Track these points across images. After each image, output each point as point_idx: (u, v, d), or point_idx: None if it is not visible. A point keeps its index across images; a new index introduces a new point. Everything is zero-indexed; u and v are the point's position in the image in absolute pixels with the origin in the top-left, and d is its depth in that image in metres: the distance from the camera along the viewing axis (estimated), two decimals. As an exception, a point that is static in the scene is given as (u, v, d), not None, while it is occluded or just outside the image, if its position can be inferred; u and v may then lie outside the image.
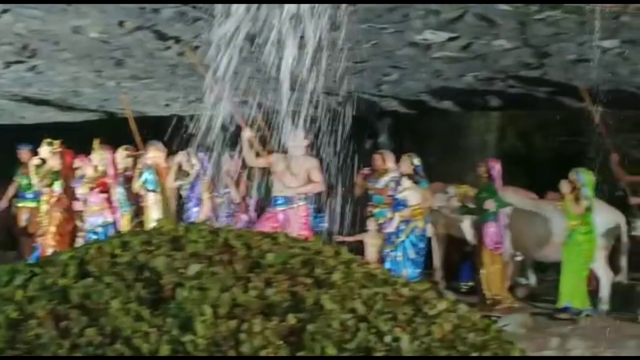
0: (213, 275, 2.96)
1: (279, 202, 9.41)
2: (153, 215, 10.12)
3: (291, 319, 2.79)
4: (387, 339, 2.77)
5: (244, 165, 10.45)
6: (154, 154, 10.57)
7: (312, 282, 3.03)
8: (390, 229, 9.81)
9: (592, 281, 10.48)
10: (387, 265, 9.71)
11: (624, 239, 10.47)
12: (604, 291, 10.22)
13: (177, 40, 9.27)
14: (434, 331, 2.89)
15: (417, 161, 9.97)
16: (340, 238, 10.46)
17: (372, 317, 2.87)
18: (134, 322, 2.71)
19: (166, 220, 3.61)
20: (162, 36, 9.13)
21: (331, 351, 2.67)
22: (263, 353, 2.63)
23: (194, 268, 2.97)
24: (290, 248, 3.25)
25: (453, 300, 3.21)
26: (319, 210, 10.85)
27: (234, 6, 7.37)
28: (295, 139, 9.31)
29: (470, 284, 11.34)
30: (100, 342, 2.64)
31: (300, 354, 2.67)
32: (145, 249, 3.14)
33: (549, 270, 11.78)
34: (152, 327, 2.70)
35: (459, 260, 11.97)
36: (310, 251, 3.24)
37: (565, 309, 9.77)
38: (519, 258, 11.25)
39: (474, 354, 2.91)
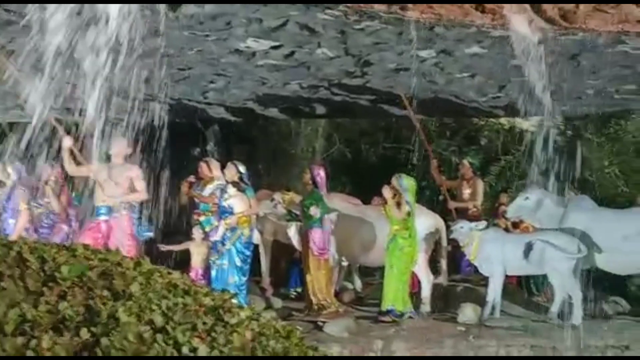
0: (2, 290, 2.81)
1: (102, 211, 9.18)
2: (-35, 228, 9.61)
3: (85, 334, 2.69)
4: (185, 349, 2.73)
5: (64, 174, 10.12)
6: (-33, 163, 10.05)
7: (109, 295, 2.94)
8: (215, 237, 9.72)
9: (415, 284, 10.82)
10: (213, 273, 9.64)
11: (444, 242, 10.85)
12: (425, 293, 10.56)
13: (-11, 44, 8.85)
14: (233, 340, 2.87)
15: (242, 168, 9.92)
16: (165, 247, 10.31)
17: (171, 327, 2.81)
18: None
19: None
20: (-29, 40, 8.69)
21: (125, 365, 2.60)
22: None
23: (-20, 284, 2.82)
24: (88, 260, 3.15)
25: (255, 308, 3.20)
26: (145, 219, 10.65)
27: (50, 9, 7.12)
28: (117, 147, 9.13)
29: (299, 289, 11.44)
30: None
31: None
32: None
33: (374, 274, 12.07)
34: None
35: (287, 267, 12.07)
36: (108, 263, 3.15)
37: (388, 312, 10.01)
38: (344, 263, 11.44)
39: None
